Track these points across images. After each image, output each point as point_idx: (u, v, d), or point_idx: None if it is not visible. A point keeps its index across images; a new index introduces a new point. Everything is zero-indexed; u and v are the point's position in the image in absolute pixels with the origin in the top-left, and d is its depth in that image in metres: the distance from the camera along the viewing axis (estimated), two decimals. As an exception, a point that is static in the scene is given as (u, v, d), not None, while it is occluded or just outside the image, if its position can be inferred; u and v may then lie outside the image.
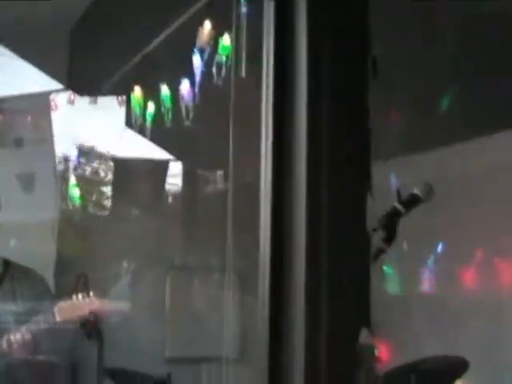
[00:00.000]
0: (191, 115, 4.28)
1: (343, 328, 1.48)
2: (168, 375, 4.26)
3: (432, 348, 4.81)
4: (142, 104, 4.81)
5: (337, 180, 1.52)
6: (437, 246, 5.10)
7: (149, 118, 4.83)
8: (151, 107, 4.81)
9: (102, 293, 4.90)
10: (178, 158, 6.78)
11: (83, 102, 6.69)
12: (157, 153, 7.33)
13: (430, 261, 5.08)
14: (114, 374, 4.63)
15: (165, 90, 4.58)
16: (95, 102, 6.63)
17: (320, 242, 1.48)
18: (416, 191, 2.54)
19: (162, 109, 4.57)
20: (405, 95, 4.74)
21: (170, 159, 7.28)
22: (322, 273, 1.48)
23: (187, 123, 4.31)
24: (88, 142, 8.03)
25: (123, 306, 5.24)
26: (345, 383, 1.47)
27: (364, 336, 1.46)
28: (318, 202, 1.49)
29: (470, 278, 4.90)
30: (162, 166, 7.27)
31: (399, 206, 2.47)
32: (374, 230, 2.45)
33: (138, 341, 5.51)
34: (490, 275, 4.79)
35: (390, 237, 2.42)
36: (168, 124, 4.56)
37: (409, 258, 5.25)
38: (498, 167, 4.67)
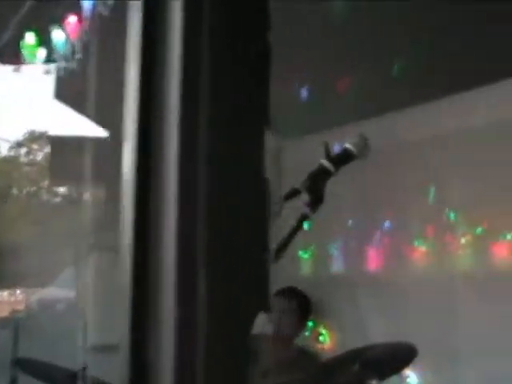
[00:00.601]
0: (78, 55, 3.86)
1: (231, 314, 1.03)
2: (83, 368, 3.79)
3: (379, 332, 4.45)
4: (36, 51, 4.39)
5: (218, 112, 1.07)
6: (383, 222, 4.71)
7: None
8: (43, 53, 4.40)
9: (20, 280, 4.46)
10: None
11: (5, 70, 6.19)
12: (89, 128, 6.82)
13: (376, 237, 4.69)
14: (25, 365, 4.17)
15: (57, 33, 4.16)
16: (18, 71, 6.14)
17: (196, 203, 1.03)
18: (348, 145, 2.11)
19: (55, 54, 4.16)
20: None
21: (107, 138, 6.80)
22: (197, 248, 1.03)
23: (72, 64, 3.90)
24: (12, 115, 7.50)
25: (44, 295, 4.81)
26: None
27: (260, 324, 1.01)
28: (192, 148, 1.04)
29: (418, 255, 4.52)
30: (95, 143, 6.79)
31: (327, 164, 2.04)
32: (297, 192, 2.05)
33: (61, 330, 5.07)
34: (440, 251, 4.41)
35: (316, 201, 2.01)
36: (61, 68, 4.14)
37: (354, 235, 4.88)
38: (448, 133, 4.27)
